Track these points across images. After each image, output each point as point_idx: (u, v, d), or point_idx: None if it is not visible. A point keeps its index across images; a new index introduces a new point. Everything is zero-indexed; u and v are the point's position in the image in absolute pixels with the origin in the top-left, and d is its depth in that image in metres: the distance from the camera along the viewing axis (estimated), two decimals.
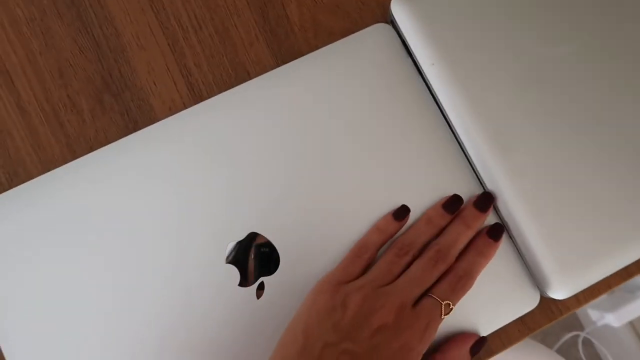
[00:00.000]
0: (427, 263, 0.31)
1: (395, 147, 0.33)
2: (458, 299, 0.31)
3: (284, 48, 0.36)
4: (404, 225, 0.33)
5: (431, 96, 0.35)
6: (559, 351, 1.03)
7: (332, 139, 0.33)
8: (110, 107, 0.35)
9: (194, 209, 0.32)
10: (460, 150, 0.34)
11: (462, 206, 0.33)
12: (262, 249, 0.31)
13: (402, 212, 0.32)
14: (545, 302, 0.34)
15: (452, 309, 0.30)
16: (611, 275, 0.34)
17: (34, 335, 0.30)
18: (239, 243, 0.31)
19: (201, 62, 0.36)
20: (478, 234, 0.33)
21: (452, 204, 0.33)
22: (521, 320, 0.34)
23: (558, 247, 0.32)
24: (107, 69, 0.35)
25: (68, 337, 0.30)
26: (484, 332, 0.32)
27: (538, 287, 0.33)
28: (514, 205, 0.32)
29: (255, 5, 0.37)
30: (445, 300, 0.30)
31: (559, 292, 0.32)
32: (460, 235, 0.32)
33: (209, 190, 0.32)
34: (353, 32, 0.35)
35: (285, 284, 0.31)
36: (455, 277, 0.31)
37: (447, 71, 0.33)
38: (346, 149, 0.33)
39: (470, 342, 0.31)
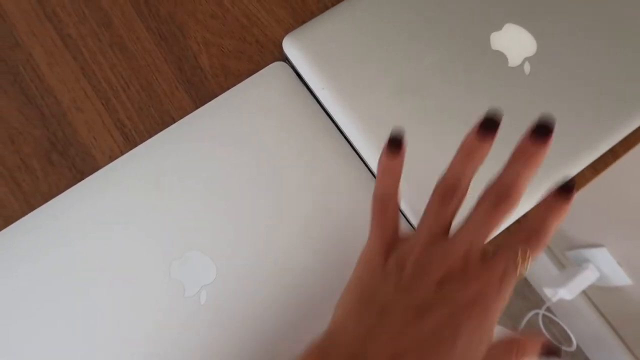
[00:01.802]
0: (485, 205, 0.27)
1: (304, 163, 0.40)
2: (536, 249, 0.26)
3: (201, 93, 0.43)
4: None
5: (327, 116, 0.42)
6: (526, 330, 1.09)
7: (244, 165, 0.40)
8: (58, 163, 0.41)
9: (139, 239, 0.38)
10: (357, 156, 0.41)
11: (519, 142, 0.28)
12: (199, 262, 0.37)
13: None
14: None
15: (530, 257, 0.26)
16: None
17: None
18: (180, 260, 0.37)
19: (132, 115, 0.42)
20: (549, 194, 0.27)
21: (487, 123, 0.27)
22: None
23: None
24: (52, 132, 0.41)
25: None
26: None
27: None
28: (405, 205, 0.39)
29: (172, 61, 0.43)
30: (520, 247, 0.26)
31: None
32: (519, 172, 0.27)
33: (151, 221, 0.38)
34: (257, 72, 0.42)
35: (223, 287, 0.37)
36: (531, 230, 0.27)
37: (336, 92, 0.41)
38: (258, 172, 0.39)
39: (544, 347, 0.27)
